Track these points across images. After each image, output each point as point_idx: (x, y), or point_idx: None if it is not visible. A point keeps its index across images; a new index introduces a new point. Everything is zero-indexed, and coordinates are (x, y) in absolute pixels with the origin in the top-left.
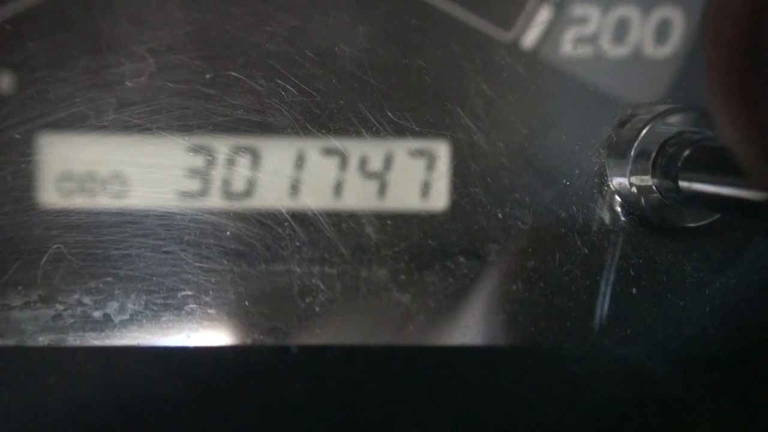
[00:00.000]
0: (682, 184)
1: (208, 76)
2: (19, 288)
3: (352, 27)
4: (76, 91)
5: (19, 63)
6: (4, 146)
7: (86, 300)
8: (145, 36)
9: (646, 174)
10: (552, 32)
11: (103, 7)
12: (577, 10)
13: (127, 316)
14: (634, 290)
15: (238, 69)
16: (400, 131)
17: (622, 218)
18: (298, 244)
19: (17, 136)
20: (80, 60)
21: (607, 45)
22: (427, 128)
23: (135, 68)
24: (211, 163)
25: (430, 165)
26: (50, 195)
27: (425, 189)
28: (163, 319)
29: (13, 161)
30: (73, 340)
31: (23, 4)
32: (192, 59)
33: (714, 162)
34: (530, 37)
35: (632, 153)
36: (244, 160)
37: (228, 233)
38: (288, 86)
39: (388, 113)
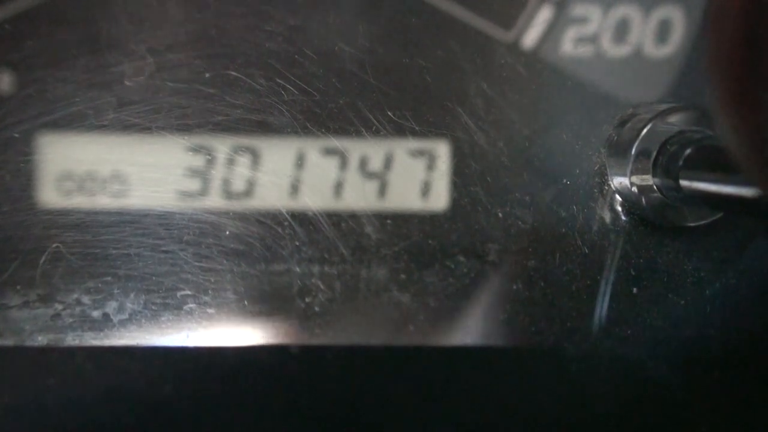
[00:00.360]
0: (683, 183)
1: (207, 76)
2: (18, 287)
3: (352, 26)
4: (76, 90)
5: (18, 62)
6: (4, 146)
7: (85, 299)
8: (144, 35)
9: (646, 173)
10: (552, 32)
11: (103, 7)
12: (578, 10)
13: (126, 316)
14: (634, 290)
15: (237, 68)
16: (400, 131)
17: (623, 218)
18: (297, 243)
19: (16, 136)
20: (80, 59)
21: (607, 44)
22: (427, 128)
23: (134, 67)
24: (210, 162)
25: (430, 165)
26: (49, 194)
27: (425, 189)
28: (162, 318)
29: (12, 161)
30: (72, 339)
31: (23, 4)
32: (191, 58)
33: (715, 161)
34: (531, 37)
35: (633, 152)
36: (243, 160)
37: (227, 233)
38: (288, 86)
39: (388, 113)
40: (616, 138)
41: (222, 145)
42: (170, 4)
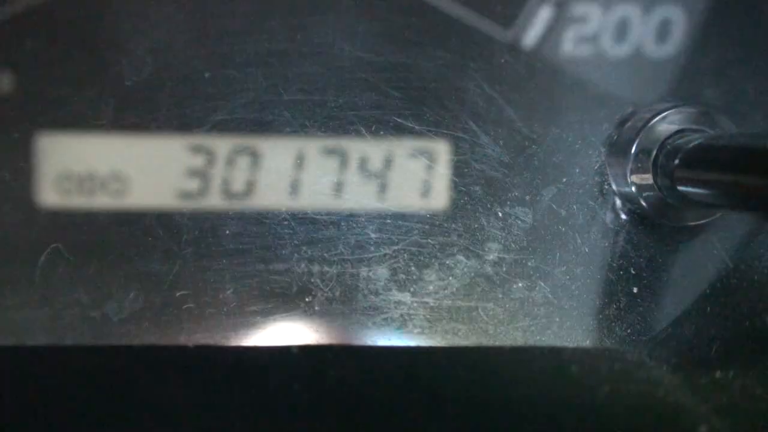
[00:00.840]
0: (682, 182)
1: (207, 75)
2: (18, 287)
3: (352, 26)
4: (76, 90)
5: (18, 62)
6: (3, 145)
7: (84, 299)
8: (144, 35)
9: (646, 172)
10: (552, 31)
11: (103, 7)
12: (578, 9)
13: (125, 316)
14: (634, 289)
15: (237, 68)
16: (400, 131)
17: (623, 217)
18: (297, 243)
19: (16, 136)
20: (79, 59)
21: (607, 44)
22: (427, 127)
23: (134, 67)
24: (210, 162)
25: (430, 165)
26: (49, 194)
27: (425, 188)
28: (162, 318)
29: (12, 160)
30: (71, 339)
31: (23, 4)
32: (191, 58)
33: (714, 159)
34: (531, 36)
35: (633, 151)
36: (243, 160)
37: (227, 232)
38: (288, 85)
39: (388, 113)
40: (616, 137)
41: (222, 145)
42: (170, 4)
